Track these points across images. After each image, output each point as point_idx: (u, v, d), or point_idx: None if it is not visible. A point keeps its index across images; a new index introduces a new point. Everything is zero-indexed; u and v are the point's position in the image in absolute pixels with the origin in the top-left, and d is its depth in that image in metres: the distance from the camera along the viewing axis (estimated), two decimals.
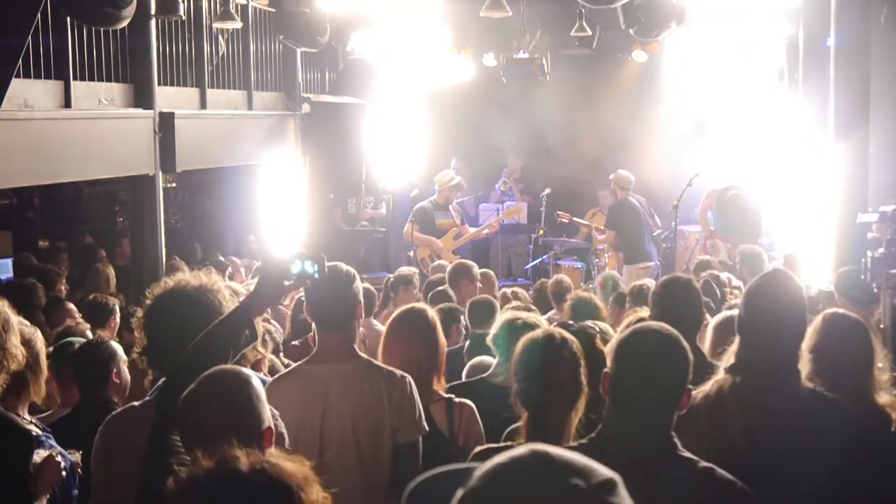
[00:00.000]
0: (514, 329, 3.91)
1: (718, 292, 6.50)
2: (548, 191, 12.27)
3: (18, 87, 6.89)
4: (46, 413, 4.34)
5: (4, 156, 6.90)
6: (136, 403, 3.19)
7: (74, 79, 7.70)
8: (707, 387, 2.94)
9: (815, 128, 8.69)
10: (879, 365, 3.39)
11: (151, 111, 8.61)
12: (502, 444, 3.15)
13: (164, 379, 2.96)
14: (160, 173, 8.86)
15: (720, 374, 3.07)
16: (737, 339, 3.12)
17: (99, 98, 8.08)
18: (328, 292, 3.44)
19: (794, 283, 3.17)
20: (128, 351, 4.37)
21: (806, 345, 3.25)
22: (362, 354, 3.58)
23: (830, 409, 3.06)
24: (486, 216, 12.91)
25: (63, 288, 7.76)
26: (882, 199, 7.83)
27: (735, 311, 3.40)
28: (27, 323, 3.75)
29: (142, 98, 8.61)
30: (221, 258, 10.21)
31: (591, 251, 12.22)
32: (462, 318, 5.59)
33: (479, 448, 3.22)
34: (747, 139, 11.88)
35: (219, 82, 10.29)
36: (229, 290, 3.26)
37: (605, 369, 2.61)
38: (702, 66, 12.87)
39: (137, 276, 8.75)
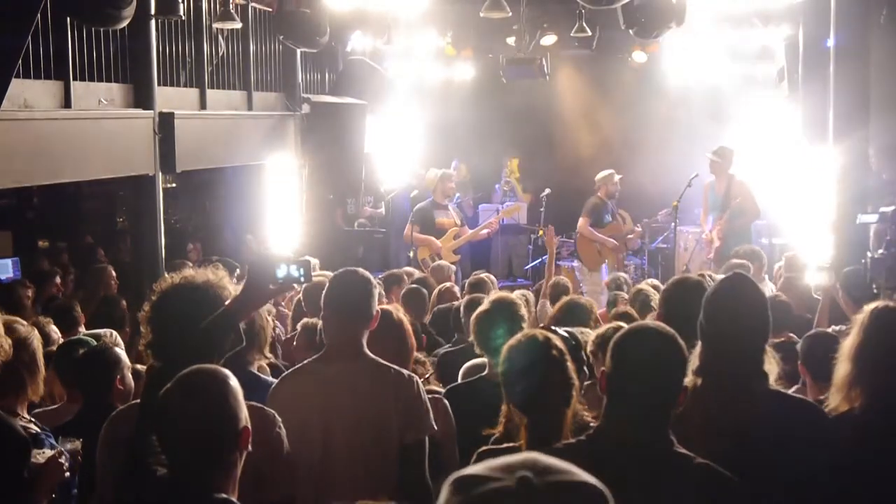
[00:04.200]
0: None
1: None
2: (547, 191, 12.27)
3: (18, 87, 6.89)
4: (53, 407, 4.36)
5: (4, 156, 6.90)
6: (138, 402, 3.20)
7: (74, 79, 7.69)
8: None
9: (814, 128, 8.69)
10: None
11: (151, 111, 8.61)
12: (504, 447, 3.16)
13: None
14: (160, 173, 8.86)
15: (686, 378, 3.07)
16: (699, 343, 3.14)
17: (99, 98, 8.08)
18: (344, 292, 3.48)
19: (752, 287, 3.21)
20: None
21: (850, 342, 3.26)
22: (369, 354, 3.59)
23: (797, 409, 3.09)
24: (485, 216, 12.92)
25: (56, 288, 7.74)
26: (882, 199, 7.83)
27: None
28: (24, 322, 3.76)
29: (142, 98, 8.61)
30: (226, 258, 10.20)
31: None
32: None
33: (483, 448, 3.23)
34: (747, 139, 11.88)
35: (219, 82, 10.29)
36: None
37: (603, 368, 2.62)
38: (701, 66, 12.88)
39: (137, 277, 8.75)
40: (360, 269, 3.64)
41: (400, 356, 3.84)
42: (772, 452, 2.90)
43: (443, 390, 4.25)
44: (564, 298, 5.77)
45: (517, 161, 14.19)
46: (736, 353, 3.06)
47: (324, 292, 3.59)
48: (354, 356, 3.52)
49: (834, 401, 3.26)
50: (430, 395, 3.84)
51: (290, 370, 3.73)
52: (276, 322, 6.04)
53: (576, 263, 11.29)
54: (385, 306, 4.20)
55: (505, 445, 3.14)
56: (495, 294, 4.84)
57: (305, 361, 3.67)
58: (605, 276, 10.88)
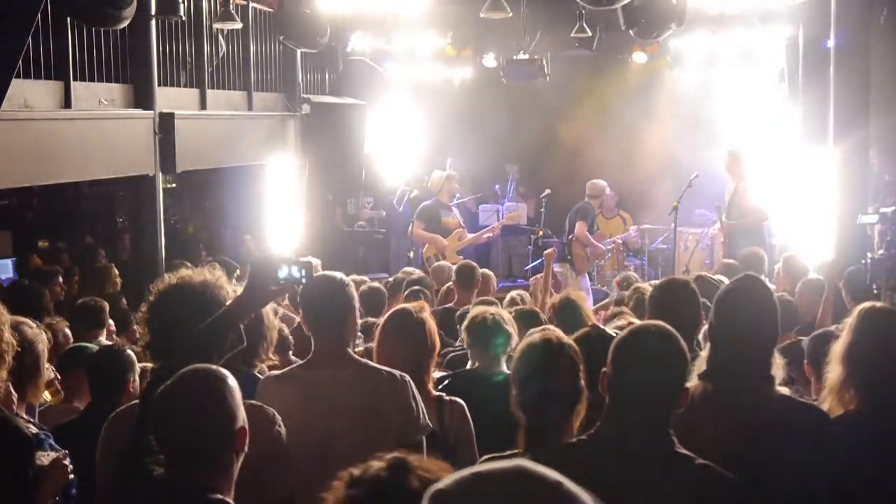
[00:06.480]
0: (479, 324, 4.23)
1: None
2: (547, 192, 12.27)
3: (18, 87, 6.89)
4: (46, 406, 4.37)
5: (4, 156, 6.90)
6: (138, 402, 3.20)
7: (74, 79, 7.70)
8: None
9: (815, 129, 8.69)
10: None
11: (151, 112, 8.61)
12: (507, 454, 3.14)
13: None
14: (160, 174, 8.86)
15: (693, 381, 3.06)
16: (707, 346, 3.13)
17: (99, 98, 8.08)
18: (320, 298, 3.43)
19: (763, 289, 3.18)
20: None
21: (840, 343, 3.25)
22: (358, 358, 3.54)
23: (805, 415, 3.07)
24: (486, 217, 12.91)
25: (59, 289, 7.73)
26: (882, 200, 7.84)
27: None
28: (32, 324, 3.75)
29: (142, 98, 8.61)
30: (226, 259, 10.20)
31: None
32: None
33: (486, 458, 3.20)
34: (748, 140, 11.87)
35: (219, 83, 10.29)
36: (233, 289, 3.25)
37: (604, 368, 2.61)
38: (702, 67, 12.88)
39: (137, 278, 8.75)
40: (337, 275, 3.53)
41: (416, 356, 3.78)
42: (780, 456, 2.89)
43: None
44: (561, 295, 5.75)
45: (517, 166, 14.21)
46: (747, 355, 3.03)
47: (299, 301, 3.51)
48: (342, 363, 3.44)
49: (827, 403, 3.25)
50: (447, 399, 3.83)
51: (271, 375, 3.62)
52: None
53: (559, 268, 11.15)
54: (407, 305, 4.18)
55: (508, 453, 3.12)
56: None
57: (289, 368, 3.62)
58: (587, 284, 10.95)
